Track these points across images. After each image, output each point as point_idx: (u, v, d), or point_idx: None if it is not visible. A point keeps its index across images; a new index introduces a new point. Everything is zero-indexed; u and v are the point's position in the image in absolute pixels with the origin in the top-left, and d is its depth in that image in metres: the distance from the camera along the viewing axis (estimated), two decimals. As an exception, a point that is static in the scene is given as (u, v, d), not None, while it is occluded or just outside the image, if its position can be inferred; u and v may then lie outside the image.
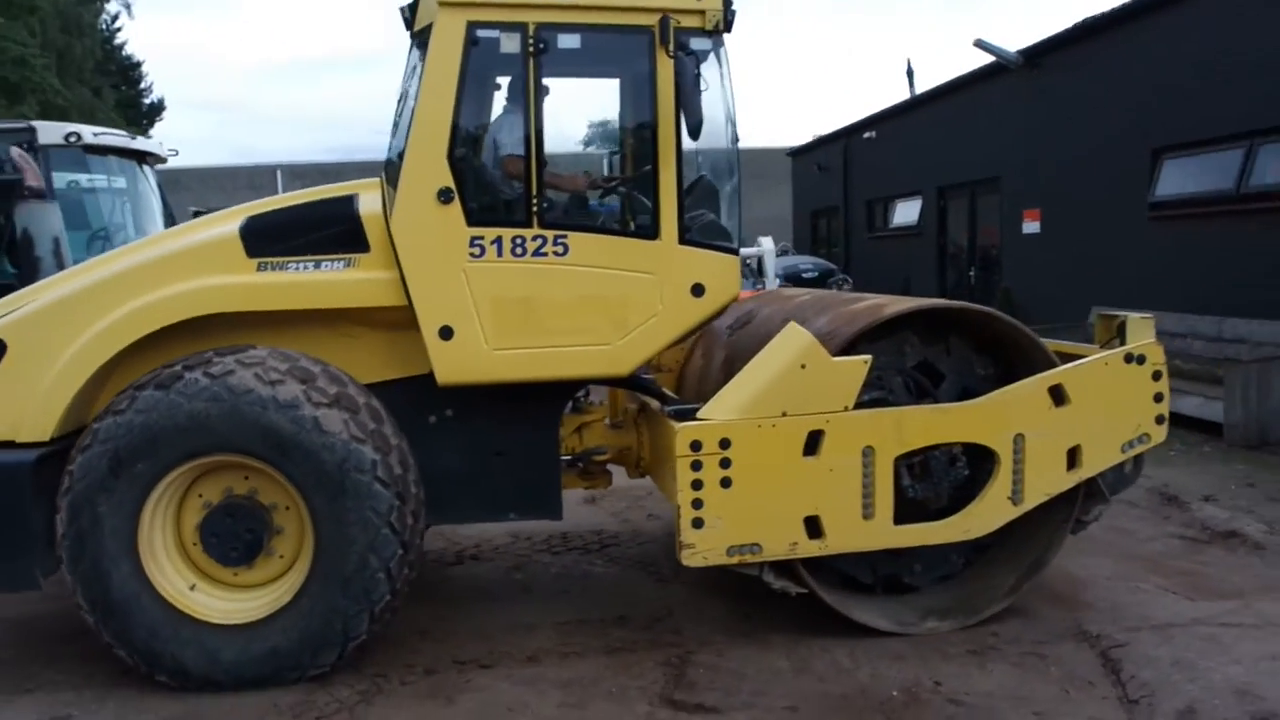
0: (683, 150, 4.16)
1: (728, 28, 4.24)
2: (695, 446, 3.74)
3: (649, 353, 4.24)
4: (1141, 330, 4.20)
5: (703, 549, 3.81)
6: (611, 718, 3.59)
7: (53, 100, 27.95)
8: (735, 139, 4.47)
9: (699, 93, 3.95)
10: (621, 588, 5.21)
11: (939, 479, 4.10)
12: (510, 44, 4.02)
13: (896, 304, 4.09)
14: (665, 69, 4.05)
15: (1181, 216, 9.90)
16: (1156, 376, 4.14)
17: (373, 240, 4.07)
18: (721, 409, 3.84)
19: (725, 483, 3.77)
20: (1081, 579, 5.13)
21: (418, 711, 3.67)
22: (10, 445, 3.78)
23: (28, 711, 3.69)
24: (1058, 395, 4.03)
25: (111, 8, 37.05)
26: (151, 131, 42.57)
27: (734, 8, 4.31)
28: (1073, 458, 4.09)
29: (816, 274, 16.05)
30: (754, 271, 13.25)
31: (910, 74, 19.73)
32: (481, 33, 4.00)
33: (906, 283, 16.01)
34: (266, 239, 4.03)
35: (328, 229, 4.07)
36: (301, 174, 30.64)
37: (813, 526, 3.89)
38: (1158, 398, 4.15)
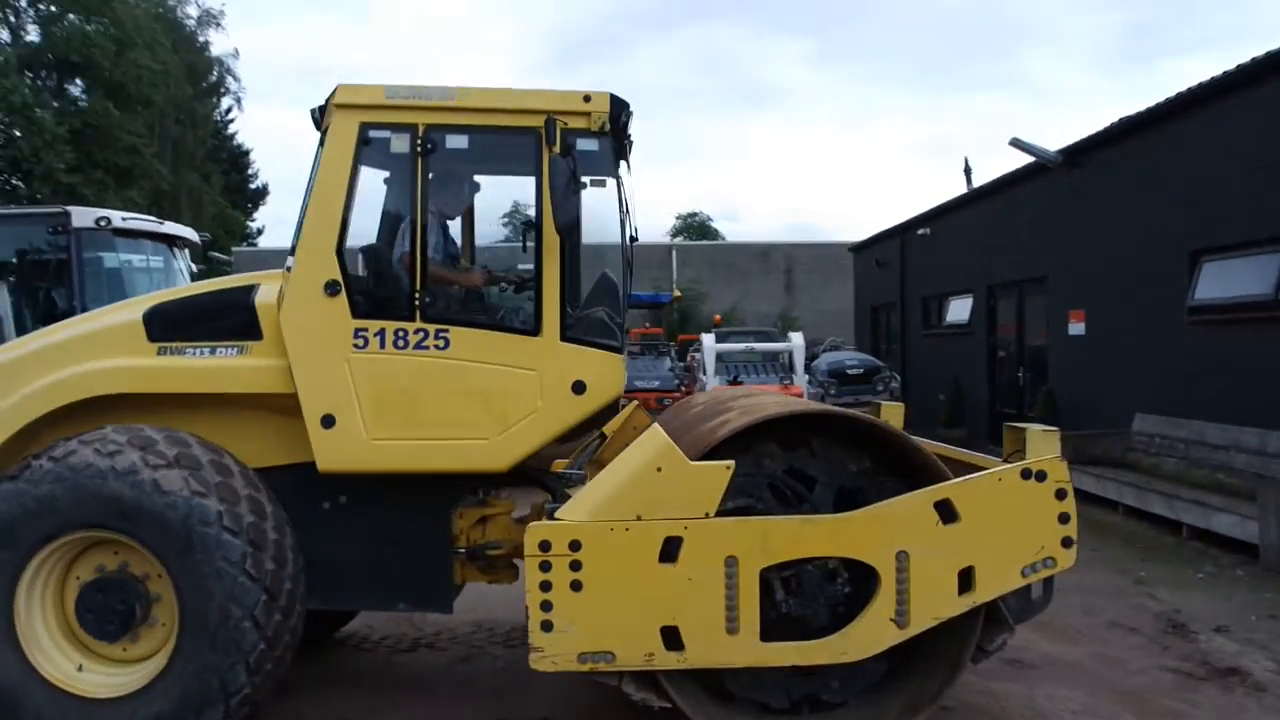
0: (567, 247, 4.26)
1: (620, 128, 4.37)
2: (544, 547, 3.69)
3: (528, 449, 4.24)
4: (1043, 445, 3.97)
5: (551, 654, 3.71)
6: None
7: (159, 185, 30.55)
8: (632, 237, 4.54)
9: (570, 193, 4.05)
10: (558, 689, 5.06)
11: (813, 595, 3.90)
12: (400, 144, 4.23)
13: (755, 414, 3.97)
14: (556, 173, 4.18)
15: (1220, 322, 9.36)
16: (1060, 495, 3.88)
17: (266, 329, 4.25)
18: (577, 510, 3.79)
19: (575, 586, 3.69)
20: (1044, 712, 4.76)
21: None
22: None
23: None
24: (946, 511, 3.81)
25: (226, 101, 40.40)
26: (255, 214, 45.75)
27: (630, 110, 4.46)
28: (965, 580, 3.84)
29: (861, 370, 15.75)
30: (785, 368, 13.12)
31: (968, 171, 19.53)
32: (374, 133, 4.23)
33: (956, 383, 15.53)
34: (168, 325, 4.27)
35: (225, 318, 4.29)
36: (380, 257, 32.29)
37: (672, 637, 3.74)
38: (1063, 518, 3.88)
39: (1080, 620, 6.38)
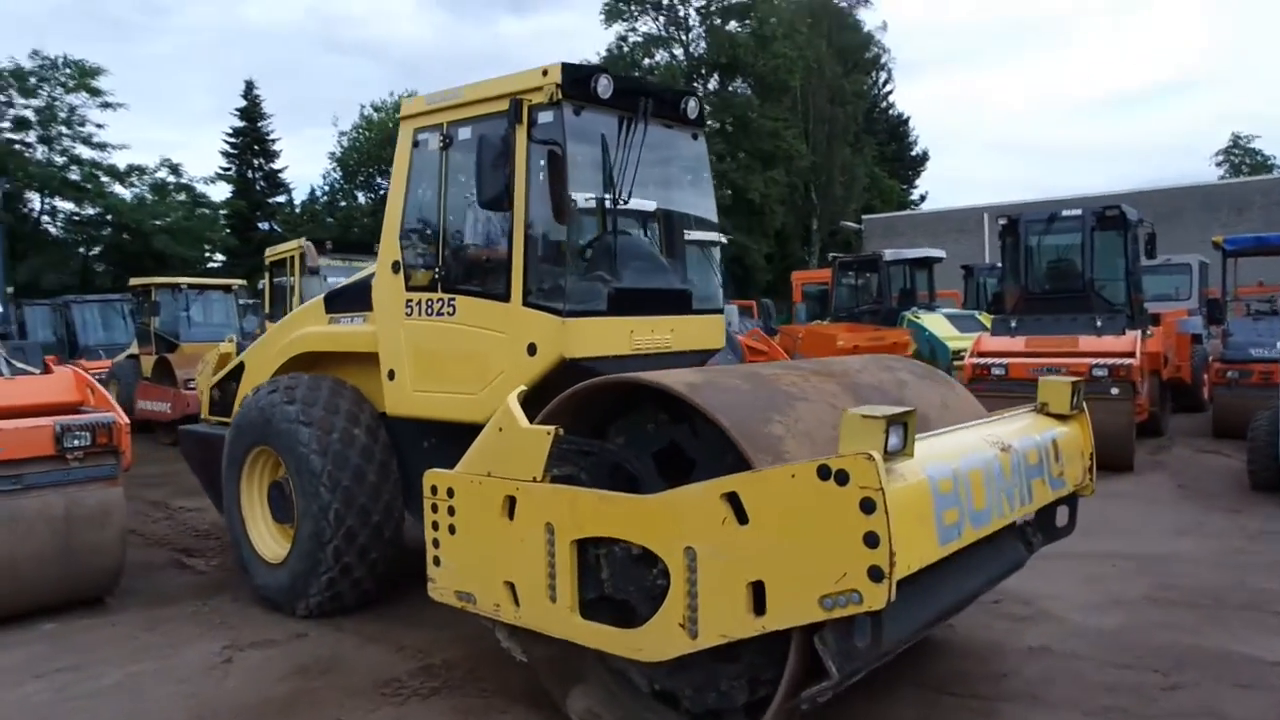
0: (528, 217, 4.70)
1: (591, 93, 4.62)
2: (433, 491, 4.34)
3: (499, 405, 4.83)
4: (857, 435, 3.01)
5: (439, 586, 4.34)
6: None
7: (800, 163, 34.67)
8: (614, 200, 4.72)
9: (495, 169, 4.51)
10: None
11: (623, 579, 3.71)
12: (433, 142, 5.21)
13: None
14: (519, 148, 4.70)
15: None
16: (867, 507, 2.92)
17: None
18: (462, 462, 4.33)
19: (451, 529, 4.26)
20: None
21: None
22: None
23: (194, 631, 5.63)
24: (738, 508, 3.25)
25: (883, 75, 43.23)
26: (917, 180, 47.87)
27: (603, 72, 4.66)
28: (759, 599, 3.22)
29: None
30: None
31: None
32: (420, 135, 5.30)
33: None
34: (334, 302, 6.06)
35: (359, 294, 5.86)
36: (1007, 213, 30.92)
37: (513, 593, 4.04)
38: (870, 540, 2.92)
39: None
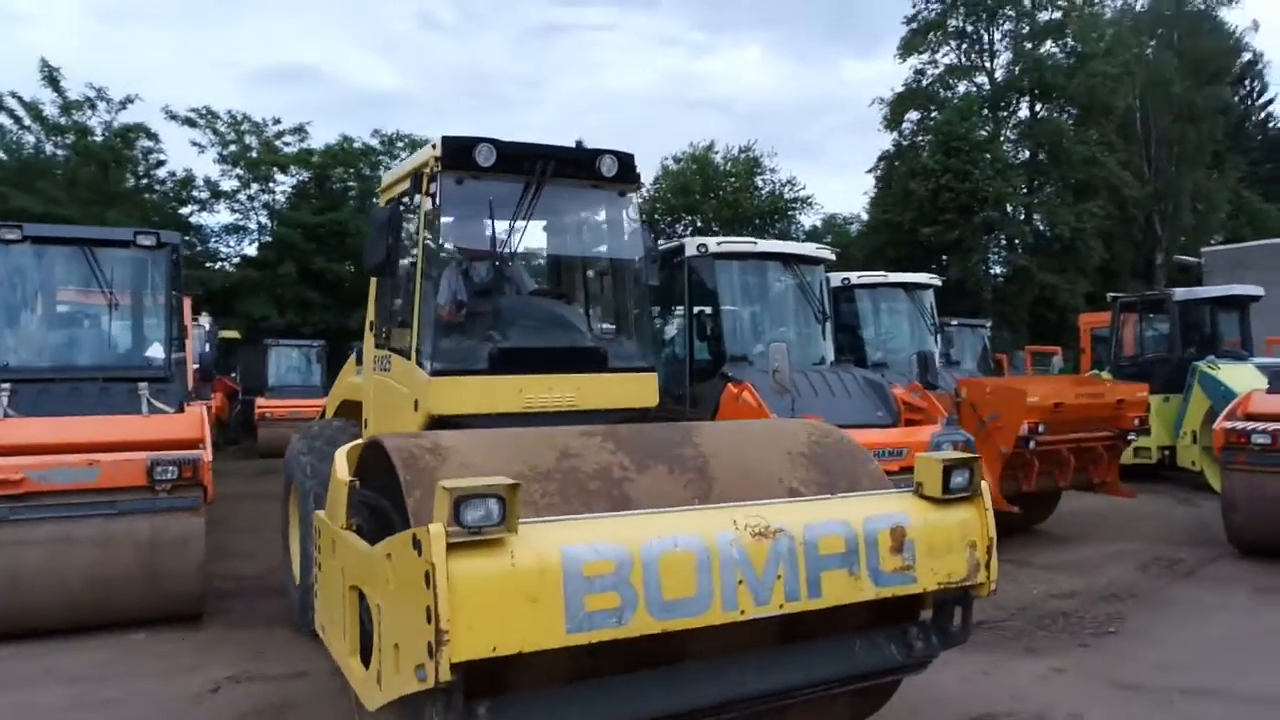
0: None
1: (468, 164, 5.00)
2: (314, 530, 4.88)
3: None
4: (438, 506, 3.01)
5: (317, 618, 4.85)
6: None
7: (1127, 191, 30.74)
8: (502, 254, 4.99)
9: (377, 238, 5.00)
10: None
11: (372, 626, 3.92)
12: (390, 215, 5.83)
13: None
14: (421, 216, 5.18)
15: None
16: (427, 581, 2.94)
17: None
18: (330, 504, 4.81)
19: (319, 566, 4.76)
20: None
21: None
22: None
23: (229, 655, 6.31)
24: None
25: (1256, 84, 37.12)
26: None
27: (488, 143, 5.01)
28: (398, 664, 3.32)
29: None
30: None
31: None
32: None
33: None
34: (358, 355, 6.88)
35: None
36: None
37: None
38: (429, 616, 2.92)
39: None
